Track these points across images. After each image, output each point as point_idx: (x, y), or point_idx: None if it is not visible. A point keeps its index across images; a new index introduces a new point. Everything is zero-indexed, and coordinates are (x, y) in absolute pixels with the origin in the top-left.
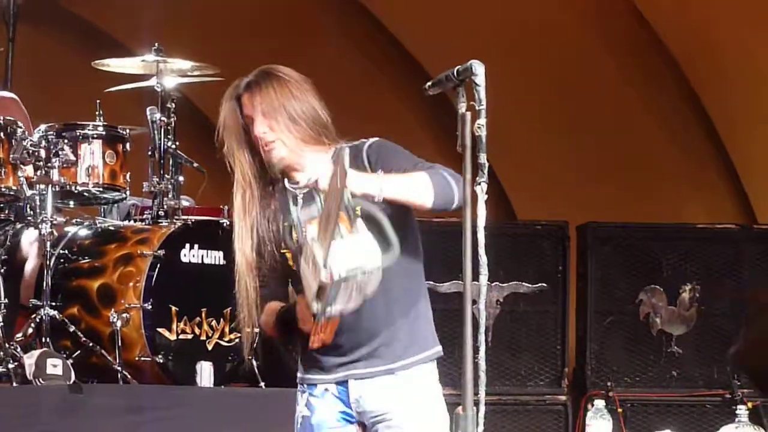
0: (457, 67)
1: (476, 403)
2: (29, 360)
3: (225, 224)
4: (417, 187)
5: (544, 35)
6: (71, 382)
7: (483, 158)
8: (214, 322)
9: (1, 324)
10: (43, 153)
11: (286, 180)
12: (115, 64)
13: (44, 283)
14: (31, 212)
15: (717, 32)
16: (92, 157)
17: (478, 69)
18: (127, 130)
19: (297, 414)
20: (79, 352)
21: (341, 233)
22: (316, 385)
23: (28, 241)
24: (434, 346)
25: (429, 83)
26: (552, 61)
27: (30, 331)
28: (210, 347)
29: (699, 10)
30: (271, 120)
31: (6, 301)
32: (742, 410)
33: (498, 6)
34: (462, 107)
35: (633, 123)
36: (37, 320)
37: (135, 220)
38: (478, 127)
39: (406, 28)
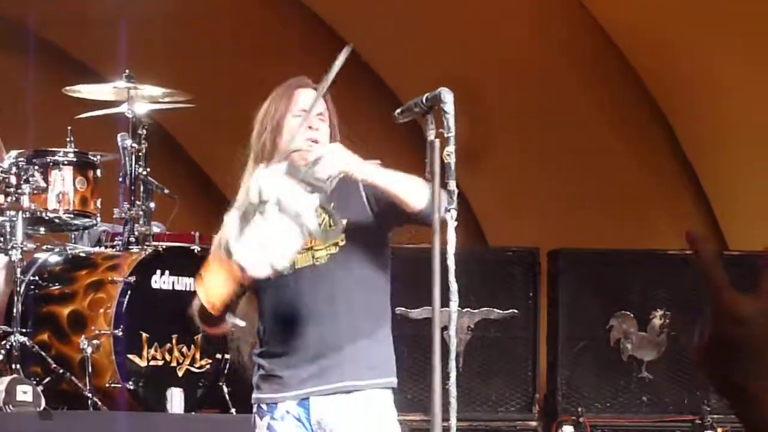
0: (426, 95)
1: (447, 430)
2: None
3: (196, 250)
4: (412, 185)
5: (515, 64)
6: (41, 408)
7: (452, 185)
8: (184, 349)
9: None
10: (13, 179)
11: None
12: (86, 91)
13: (14, 309)
14: (1, 238)
15: (687, 59)
16: (63, 183)
17: (447, 96)
18: (98, 157)
19: None
20: (49, 378)
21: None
22: (276, 406)
23: None
24: (393, 374)
25: (398, 111)
26: (523, 87)
27: (0, 357)
28: (180, 373)
29: (668, 35)
30: (324, 123)
31: None
32: None
33: (467, 31)
34: (431, 134)
35: (604, 150)
36: (7, 347)
37: (106, 247)
38: (447, 155)
39: (375, 51)
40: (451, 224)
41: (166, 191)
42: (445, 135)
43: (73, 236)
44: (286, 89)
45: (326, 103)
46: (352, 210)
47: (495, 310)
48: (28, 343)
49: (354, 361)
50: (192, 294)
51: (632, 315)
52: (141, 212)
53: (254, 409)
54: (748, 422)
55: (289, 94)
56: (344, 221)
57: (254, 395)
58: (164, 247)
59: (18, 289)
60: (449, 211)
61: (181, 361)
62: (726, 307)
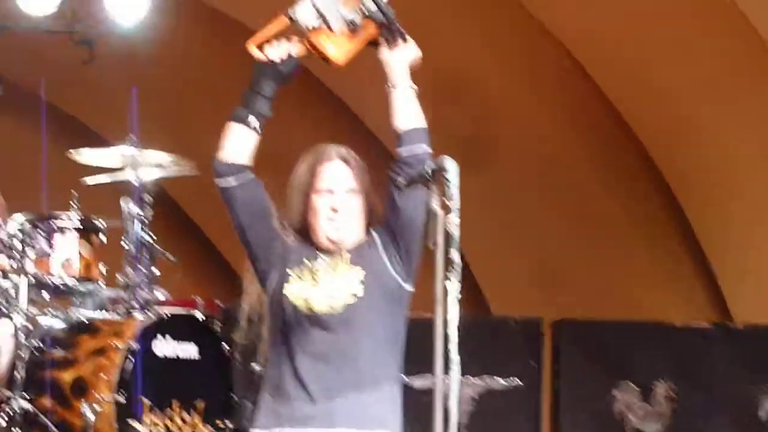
0: (430, 165)
1: None
2: None
3: (199, 317)
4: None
5: (520, 135)
6: None
7: (455, 255)
8: (186, 415)
9: None
10: (18, 244)
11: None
12: (92, 156)
13: (17, 373)
14: (6, 303)
15: (696, 131)
16: (67, 248)
17: (451, 166)
18: (103, 222)
19: None
20: None
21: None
22: None
23: (3, 332)
24: (397, 430)
25: (401, 180)
26: (527, 158)
27: (2, 422)
28: None
29: (678, 107)
30: (353, 199)
31: None
32: None
33: (463, 92)
34: (434, 204)
35: (609, 222)
36: (10, 411)
37: (109, 312)
38: (450, 225)
39: (366, 106)
40: (454, 294)
41: (170, 257)
42: (449, 205)
43: (77, 301)
44: (310, 164)
45: (356, 174)
46: (371, 260)
47: (498, 379)
48: (30, 408)
49: (356, 409)
50: (193, 363)
51: (635, 386)
52: (145, 278)
53: None
54: None
55: (312, 170)
56: (363, 271)
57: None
58: (167, 313)
59: (21, 353)
60: (451, 280)
61: (182, 428)
62: None
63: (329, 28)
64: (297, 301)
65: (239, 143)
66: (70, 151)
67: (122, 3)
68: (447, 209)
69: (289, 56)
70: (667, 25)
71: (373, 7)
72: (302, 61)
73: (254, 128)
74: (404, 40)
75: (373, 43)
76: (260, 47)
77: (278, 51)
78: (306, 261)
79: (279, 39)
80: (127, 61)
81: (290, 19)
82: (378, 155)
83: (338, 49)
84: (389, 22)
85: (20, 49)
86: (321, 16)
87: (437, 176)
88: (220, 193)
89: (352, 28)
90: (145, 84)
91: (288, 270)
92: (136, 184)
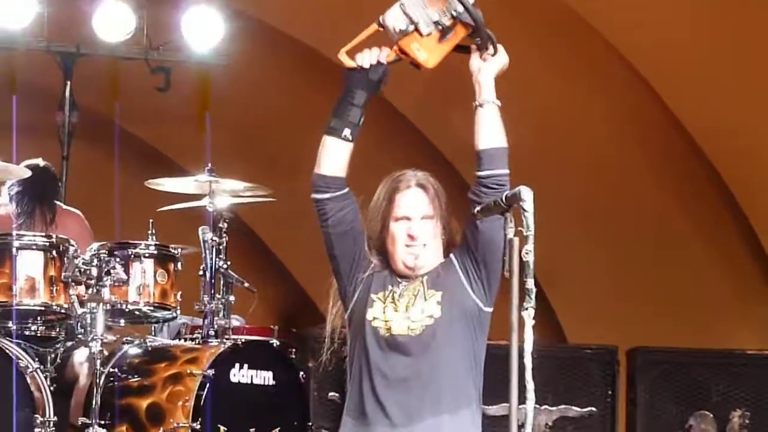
0: (506, 193)
1: None
2: None
3: (275, 344)
4: (502, 133)
5: (595, 169)
6: None
7: (530, 283)
8: None
9: None
10: (94, 271)
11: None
12: (168, 184)
13: (93, 401)
14: (82, 330)
15: None
16: (143, 275)
17: (526, 195)
18: (179, 250)
19: None
20: None
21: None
22: None
23: (80, 359)
24: None
25: (477, 208)
26: (599, 181)
27: None
28: None
29: (755, 134)
30: (429, 225)
31: (55, 419)
32: None
33: (537, 125)
34: (510, 232)
35: (684, 250)
36: None
37: (185, 339)
38: (526, 253)
39: (436, 130)
40: (529, 322)
41: (246, 285)
42: (524, 233)
43: (153, 328)
44: (388, 192)
45: (432, 199)
46: (449, 283)
47: (573, 407)
48: None
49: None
50: (269, 390)
51: (711, 415)
52: (221, 305)
53: None
54: None
55: (390, 197)
56: (440, 293)
57: None
58: (243, 340)
59: (97, 380)
60: (527, 309)
61: None
62: None
63: (419, 32)
64: (378, 324)
65: (335, 156)
66: (149, 180)
67: (198, 29)
68: (523, 238)
69: (379, 62)
70: (739, 50)
71: (460, 8)
72: (382, 93)
73: (347, 138)
74: (494, 44)
75: (461, 49)
76: (351, 56)
77: (368, 57)
78: (388, 286)
79: (369, 46)
80: (203, 87)
81: (380, 25)
82: (454, 184)
83: (428, 53)
84: (477, 23)
85: (96, 75)
86: (410, 20)
87: (513, 205)
88: (315, 206)
89: (440, 29)
90: (221, 111)
91: (371, 294)
92: (212, 212)
